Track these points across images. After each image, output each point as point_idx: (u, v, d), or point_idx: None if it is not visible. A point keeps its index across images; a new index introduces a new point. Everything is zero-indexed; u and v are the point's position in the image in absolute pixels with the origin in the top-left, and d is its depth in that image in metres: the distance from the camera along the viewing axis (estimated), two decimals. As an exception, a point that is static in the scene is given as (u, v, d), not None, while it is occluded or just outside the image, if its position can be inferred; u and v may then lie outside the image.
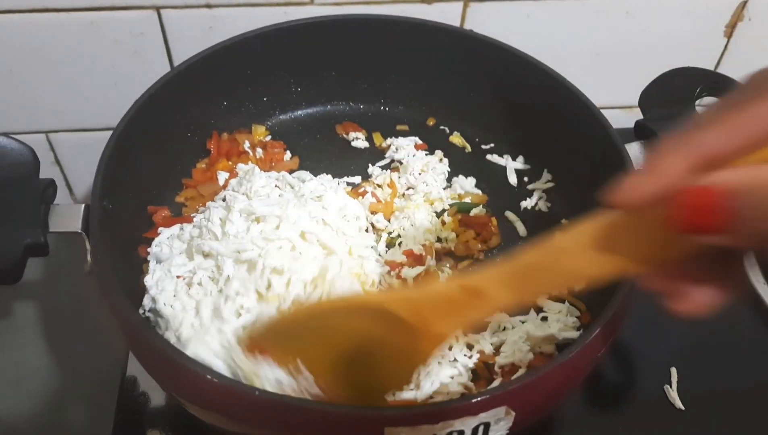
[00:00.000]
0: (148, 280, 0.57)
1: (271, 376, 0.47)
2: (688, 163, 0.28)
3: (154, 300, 0.56)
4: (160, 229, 0.62)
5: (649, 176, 0.29)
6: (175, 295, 0.56)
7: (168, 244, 0.61)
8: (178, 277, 0.57)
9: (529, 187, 0.71)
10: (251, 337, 0.47)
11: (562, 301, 0.60)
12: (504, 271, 0.36)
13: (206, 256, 0.57)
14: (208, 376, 0.45)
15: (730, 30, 0.82)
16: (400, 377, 0.45)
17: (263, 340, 0.46)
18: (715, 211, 0.26)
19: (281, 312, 0.51)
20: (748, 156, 0.27)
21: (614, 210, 0.32)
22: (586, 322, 0.58)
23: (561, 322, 0.58)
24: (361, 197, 0.67)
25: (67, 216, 0.55)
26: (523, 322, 0.58)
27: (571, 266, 0.34)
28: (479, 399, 0.44)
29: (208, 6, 0.72)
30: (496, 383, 0.55)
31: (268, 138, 0.73)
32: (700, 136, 0.28)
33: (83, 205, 0.56)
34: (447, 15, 0.75)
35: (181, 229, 0.62)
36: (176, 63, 0.75)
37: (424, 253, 0.62)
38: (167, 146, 0.67)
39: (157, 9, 0.71)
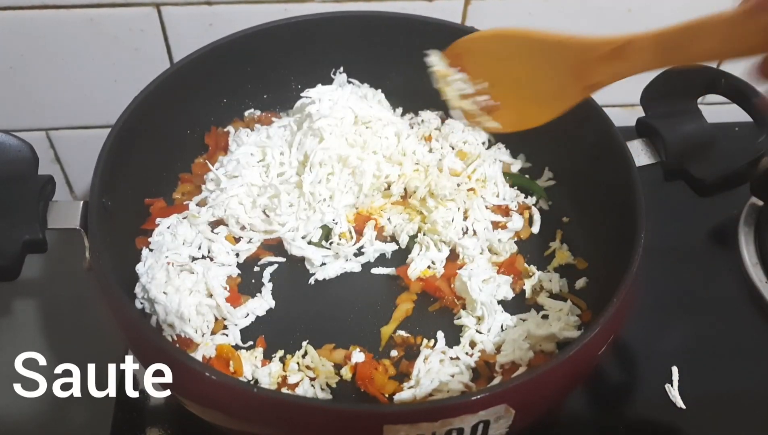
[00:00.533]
0: (140, 268, 0.58)
1: None
2: None
3: (145, 289, 0.56)
4: (157, 219, 0.62)
5: None
6: (166, 281, 0.56)
7: (170, 232, 0.61)
8: (168, 263, 0.57)
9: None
10: (452, 49, 0.55)
11: (564, 300, 0.60)
12: (653, 35, 0.42)
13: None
14: (207, 374, 0.45)
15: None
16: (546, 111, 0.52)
17: (461, 53, 0.55)
18: None
19: (479, 33, 0.57)
20: None
21: (744, 5, 0.38)
22: (586, 320, 0.58)
23: (562, 321, 0.57)
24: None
25: (66, 213, 0.55)
26: (523, 320, 0.58)
27: (708, 45, 0.40)
28: (478, 397, 0.43)
29: (208, 3, 0.72)
30: (496, 381, 0.54)
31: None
32: None
33: (82, 202, 0.55)
34: (448, 12, 0.75)
35: (181, 219, 0.62)
36: (176, 60, 0.75)
37: None
38: (167, 143, 0.67)
39: (157, 6, 0.71)
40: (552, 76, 0.49)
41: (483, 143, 0.71)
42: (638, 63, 0.44)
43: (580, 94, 0.49)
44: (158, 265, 0.57)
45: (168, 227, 0.62)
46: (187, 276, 0.58)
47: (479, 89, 0.55)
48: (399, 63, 0.73)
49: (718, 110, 0.68)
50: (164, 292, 0.56)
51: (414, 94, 0.75)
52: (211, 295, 0.57)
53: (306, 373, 0.55)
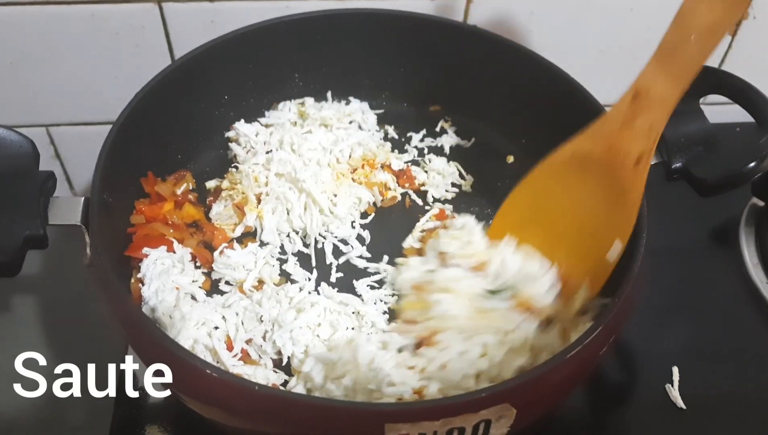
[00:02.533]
0: (145, 291, 0.57)
1: None
2: None
3: (153, 309, 0.56)
4: (145, 249, 0.60)
5: None
6: (175, 305, 0.56)
7: (161, 262, 0.60)
8: (177, 287, 0.57)
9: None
10: (495, 225, 0.50)
11: None
12: (651, 61, 0.39)
13: None
14: (208, 371, 0.45)
15: (734, 28, 0.81)
16: (622, 227, 0.44)
17: (504, 226, 0.49)
18: None
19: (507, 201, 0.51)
20: None
21: None
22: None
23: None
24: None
25: (67, 209, 0.55)
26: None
27: (701, 22, 0.36)
28: (480, 396, 0.43)
29: (210, -1, 0.72)
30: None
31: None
32: None
33: (83, 198, 0.55)
34: (450, 10, 0.75)
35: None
36: (177, 56, 0.75)
37: None
38: (168, 140, 0.67)
39: (159, 2, 0.71)
40: (595, 186, 0.41)
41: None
42: (661, 97, 0.39)
43: (636, 184, 0.41)
44: (166, 289, 0.57)
45: (156, 259, 0.60)
46: (196, 306, 0.57)
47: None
48: (401, 60, 0.73)
49: (720, 110, 0.68)
50: (170, 316, 0.56)
51: (417, 92, 0.75)
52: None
53: None
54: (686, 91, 0.42)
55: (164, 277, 0.58)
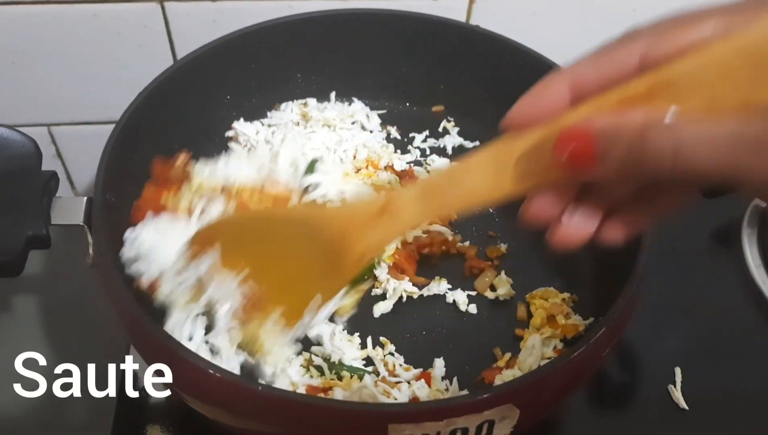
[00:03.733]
0: (169, 326, 0.54)
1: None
2: (565, 89, 0.33)
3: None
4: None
5: (533, 99, 0.34)
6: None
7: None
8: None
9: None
10: (201, 233, 0.50)
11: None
12: (416, 187, 0.39)
13: None
14: (211, 371, 0.44)
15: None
16: (327, 291, 0.46)
17: (210, 237, 0.49)
18: (587, 149, 0.31)
19: (228, 215, 0.54)
20: (611, 90, 0.32)
21: (507, 132, 0.35)
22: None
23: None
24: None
25: (70, 209, 0.55)
26: None
27: (472, 184, 0.36)
28: (484, 396, 0.43)
29: (213, -1, 0.72)
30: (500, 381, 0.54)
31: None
32: (576, 67, 0.33)
33: (86, 198, 0.55)
34: (453, 10, 0.75)
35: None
36: (179, 56, 0.75)
37: None
38: (170, 140, 0.66)
39: (161, 1, 0.71)
40: (314, 254, 0.43)
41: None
42: (404, 219, 0.39)
43: (353, 269, 0.42)
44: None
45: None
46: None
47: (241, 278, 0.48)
48: (404, 60, 0.73)
49: (722, 111, 0.68)
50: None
51: (419, 92, 0.75)
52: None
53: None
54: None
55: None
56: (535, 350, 0.56)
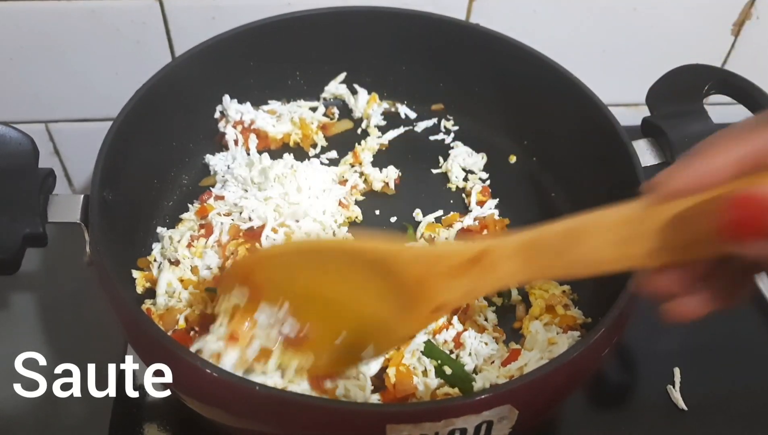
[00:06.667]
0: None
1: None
2: (736, 159, 0.28)
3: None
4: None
5: (695, 165, 0.29)
6: None
7: None
8: None
9: (534, 183, 0.70)
10: (241, 263, 0.45)
11: None
12: (520, 241, 0.33)
13: None
14: (208, 371, 0.44)
15: (737, 28, 0.81)
16: (383, 343, 0.40)
17: (254, 268, 0.43)
18: (762, 218, 0.25)
19: (275, 245, 0.48)
20: None
21: (647, 198, 0.30)
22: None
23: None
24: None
25: (67, 206, 0.55)
26: None
27: (591, 250, 0.32)
28: (482, 397, 0.43)
29: (211, -4, 0.71)
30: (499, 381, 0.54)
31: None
32: (748, 136, 0.28)
33: (82, 196, 0.55)
34: (453, 9, 0.74)
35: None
36: (178, 53, 0.74)
37: None
38: (168, 137, 0.66)
39: (160, -2, 0.71)
40: (382, 299, 0.37)
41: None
42: (499, 275, 0.34)
43: (424, 321, 0.37)
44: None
45: None
46: None
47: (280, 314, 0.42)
48: (403, 58, 0.72)
49: (723, 110, 0.68)
50: None
51: (419, 90, 0.75)
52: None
53: None
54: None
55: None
56: (539, 335, 0.56)
